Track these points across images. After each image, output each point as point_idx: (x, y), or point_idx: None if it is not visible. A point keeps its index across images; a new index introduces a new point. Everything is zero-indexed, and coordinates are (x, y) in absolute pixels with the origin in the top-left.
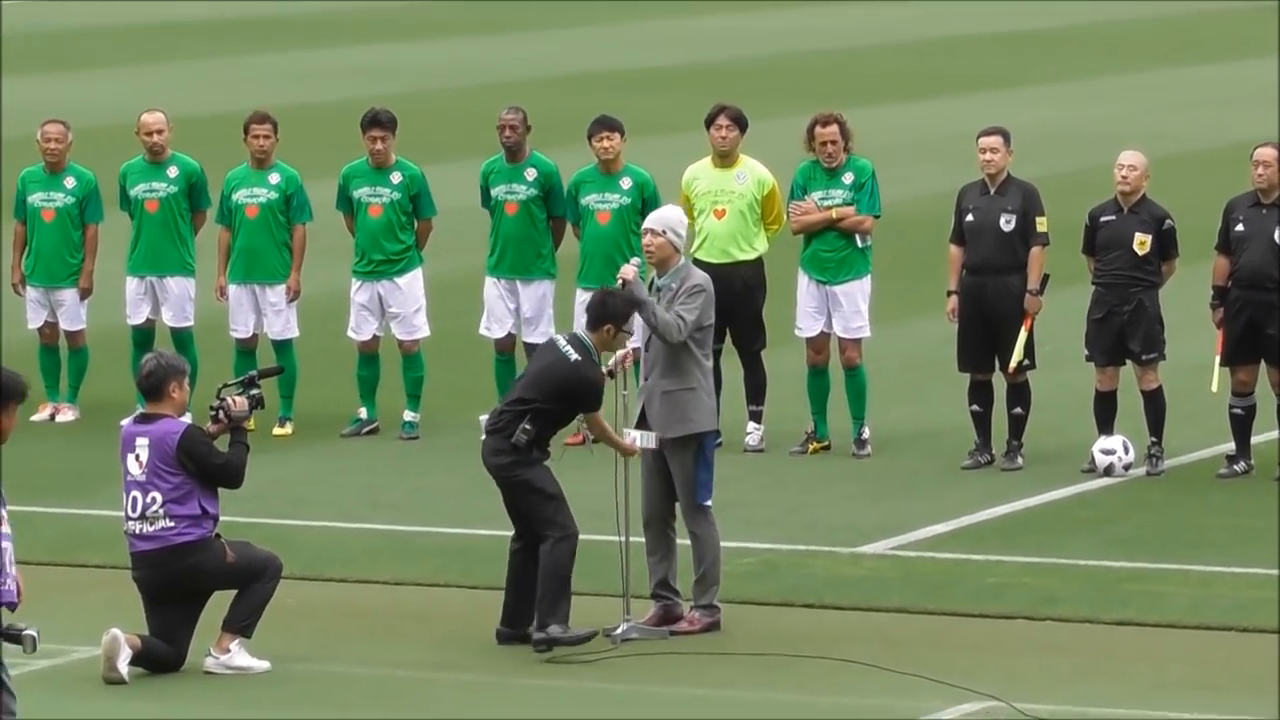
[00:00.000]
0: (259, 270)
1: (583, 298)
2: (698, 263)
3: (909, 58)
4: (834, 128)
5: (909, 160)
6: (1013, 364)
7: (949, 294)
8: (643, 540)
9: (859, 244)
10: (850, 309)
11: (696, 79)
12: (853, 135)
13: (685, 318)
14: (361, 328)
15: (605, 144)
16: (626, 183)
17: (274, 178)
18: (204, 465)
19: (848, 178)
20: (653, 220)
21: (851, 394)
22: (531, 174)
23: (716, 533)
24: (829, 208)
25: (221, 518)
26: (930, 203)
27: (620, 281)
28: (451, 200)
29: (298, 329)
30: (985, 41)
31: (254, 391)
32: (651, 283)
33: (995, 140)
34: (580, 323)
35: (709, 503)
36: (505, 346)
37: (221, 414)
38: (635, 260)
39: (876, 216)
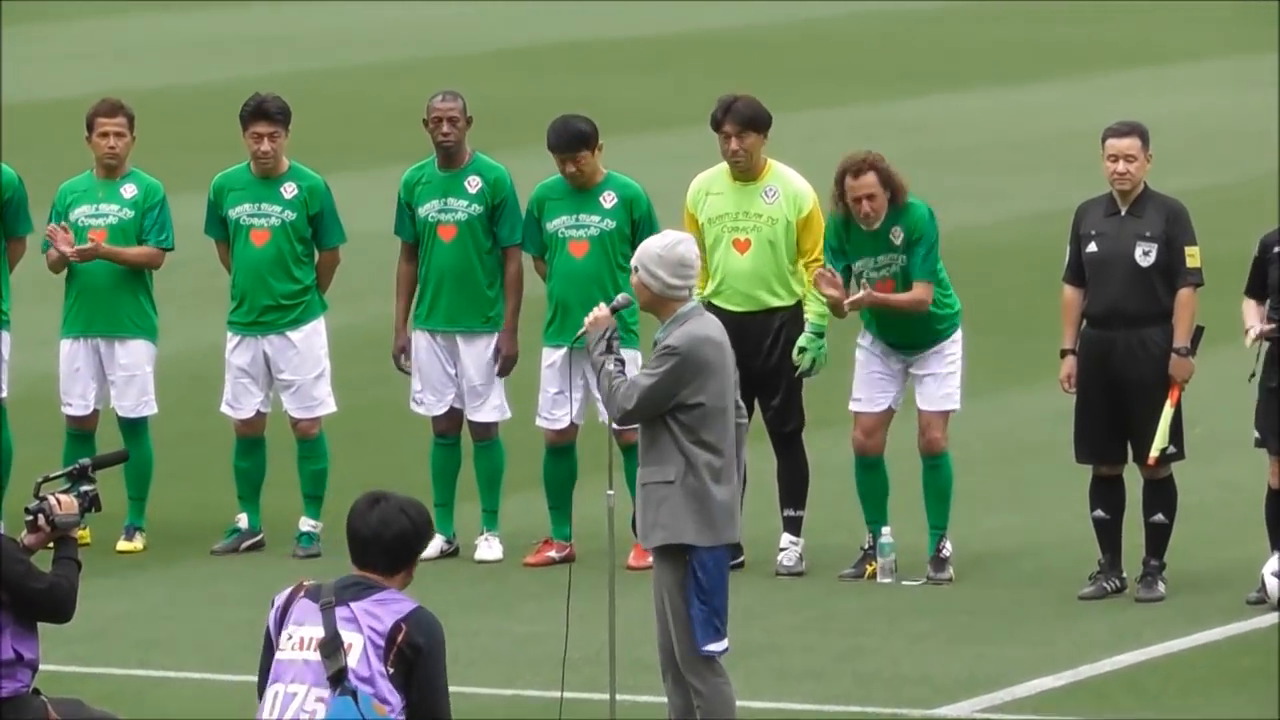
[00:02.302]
0: (103, 319)
1: (552, 359)
2: (713, 312)
3: (1003, 25)
4: (870, 176)
5: (1004, 167)
6: (1153, 453)
7: (1063, 354)
8: (639, 699)
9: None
10: (941, 371)
11: (700, 52)
12: (900, 179)
13: (638, 384)
14: (240, 401)
15: (572, 169)
16: (609, 199)
17: (129, 190)
18: (18, 591)
19: (896, 234)
20: (636, 253)
21: (932, 493)
22: (474, 184)
23: (729, 688)
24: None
25: (42, 666)
26: (1032, 226)
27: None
28: (363, 221)
29: (156, 404)
30: (1107, 5)
31: (86, 488)
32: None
33: (1130, 143)
34: (550, 394)
35: (714, 648)
36: (446, 428)
37: (41, 519)
38: (624, 296)
39: (938, 281)
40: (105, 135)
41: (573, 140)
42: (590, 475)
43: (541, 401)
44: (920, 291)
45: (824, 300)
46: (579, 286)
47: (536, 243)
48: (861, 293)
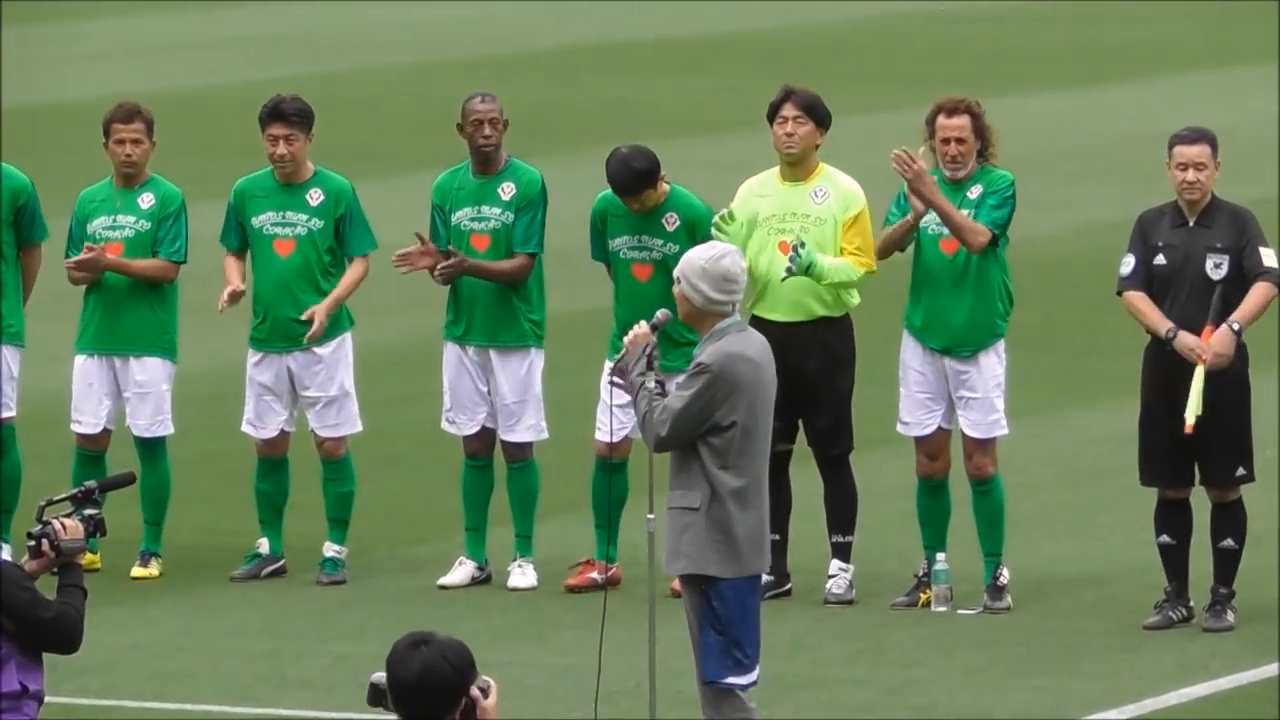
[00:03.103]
0: (120, 334)
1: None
2: (757, 324)
3: (1063, 26)
4: (963, 119)
5: (1064, 175)
6: (1190, 419)
7: (1171, 336)
8: None
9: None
10: (983, 393)
11: (745, 53)
12: (994, 134)
13: (670, 407)
14: (264, 420)
15: (637, 206)
16: (671, 221)
17: (146, 200)
18: (24, 620)
19: (974, 192)
20: (680, 263)
21: (983, 519)
22: (509, 190)
23: None
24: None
25: (52, 698)
26: (1094, 237)
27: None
28: (387, 232)
29: (173, 424)
30: (1171, 5)
31: (91, 511)
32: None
33: (1200, 151)
34: (609, 405)
35: (732, 681)
36: (478, 448)
37: (45, 544)
38: (664, 313)
39: (995, 236)
40: (122, 142)
41: (634, 184)
42: (632, 496)
43: (599, 413)
44: (979, 227)
45: (853, 279)
46: (645, 309)
47: (600, 250)
48: (929, 179)
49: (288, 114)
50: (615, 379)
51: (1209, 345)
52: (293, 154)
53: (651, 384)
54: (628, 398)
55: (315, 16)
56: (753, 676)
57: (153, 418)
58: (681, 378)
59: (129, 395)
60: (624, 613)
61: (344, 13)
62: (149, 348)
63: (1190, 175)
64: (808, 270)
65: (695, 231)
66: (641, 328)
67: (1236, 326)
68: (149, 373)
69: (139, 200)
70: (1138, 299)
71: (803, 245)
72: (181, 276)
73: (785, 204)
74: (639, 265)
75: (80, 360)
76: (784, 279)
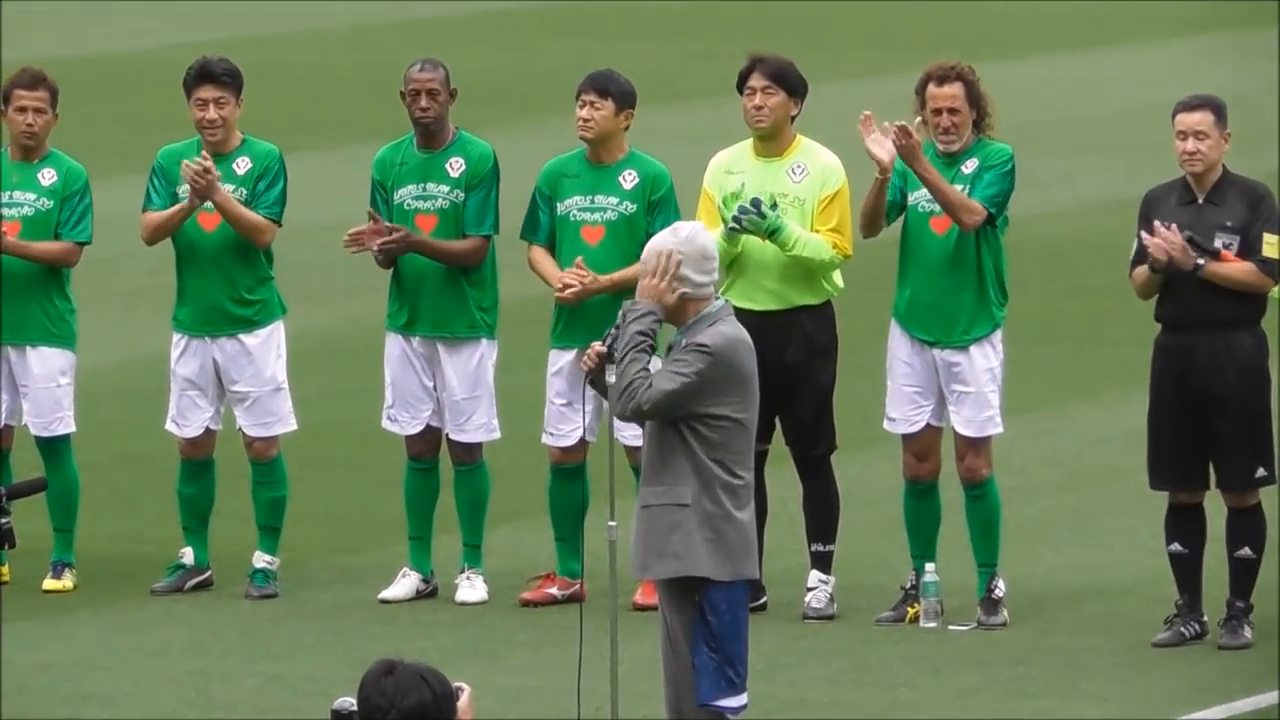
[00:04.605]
0: (13, 324)
1: (559, 364)
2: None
3: None
4: (956, 87)
5: (1066, 147)
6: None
7: (1155, 268)
8: None
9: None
10: (975, 388)
11: (718, 15)
12: (990, 103)
13: (660, 384)
14: (187, 417)
15: (584, 114)
16: (629, 178)
17: (47, 175)
18: None
19: (969, 166)
20: (644, 250)
21: (976, 526)
22: (457, 166)
23: None
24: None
25: None
26: (1099, 216)
27: (589, 356)
28: (322, 209)
29: (74, 421)
30: None
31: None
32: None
33: (1202, 118)
34: (557, 405)
35: (727, 703)
36: (422, 449)
37: None
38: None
39: (992, 215)
40: (23, 110)
41: (600, 81)
42: (593, 501)
43: (547, 414)
44: (974, 204)
45: (823, 259)
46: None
47: (540, 228)
48: (918, 138)
49: (217, 74)
50: (593, 382)
51: (1162, 234)
52: (222, 118)
53: (638, 363)
54: (591, 395)
55: None
56: (744, 699)
57: (51, 414)
58: (673, 354)
59: (26, 391)
60: (583, 629)
61: None
62: (48, 337)
63: (1190, 145)
64: (772, 235)
65: (651, 188)
66: (598, 346)
67: (1200, 264)
68: (48, 365)
69: (39, 176)
70: (1138, 275)
71: (773, 207)
72: (100, 260)
73: (760, 183)
74: (589, 228)
75: None
76: (729, 231)
